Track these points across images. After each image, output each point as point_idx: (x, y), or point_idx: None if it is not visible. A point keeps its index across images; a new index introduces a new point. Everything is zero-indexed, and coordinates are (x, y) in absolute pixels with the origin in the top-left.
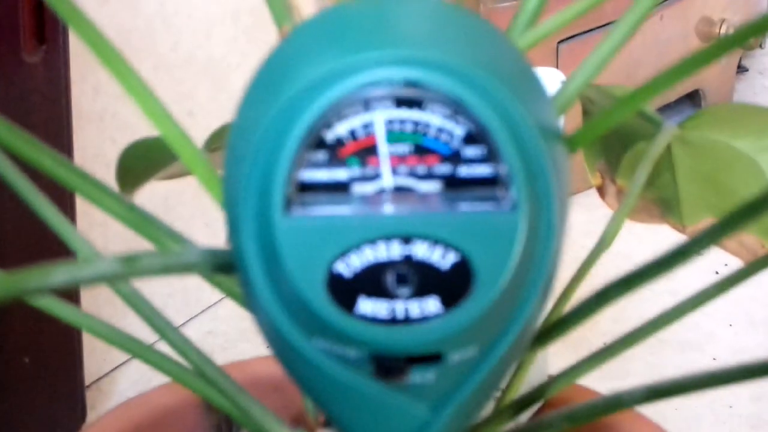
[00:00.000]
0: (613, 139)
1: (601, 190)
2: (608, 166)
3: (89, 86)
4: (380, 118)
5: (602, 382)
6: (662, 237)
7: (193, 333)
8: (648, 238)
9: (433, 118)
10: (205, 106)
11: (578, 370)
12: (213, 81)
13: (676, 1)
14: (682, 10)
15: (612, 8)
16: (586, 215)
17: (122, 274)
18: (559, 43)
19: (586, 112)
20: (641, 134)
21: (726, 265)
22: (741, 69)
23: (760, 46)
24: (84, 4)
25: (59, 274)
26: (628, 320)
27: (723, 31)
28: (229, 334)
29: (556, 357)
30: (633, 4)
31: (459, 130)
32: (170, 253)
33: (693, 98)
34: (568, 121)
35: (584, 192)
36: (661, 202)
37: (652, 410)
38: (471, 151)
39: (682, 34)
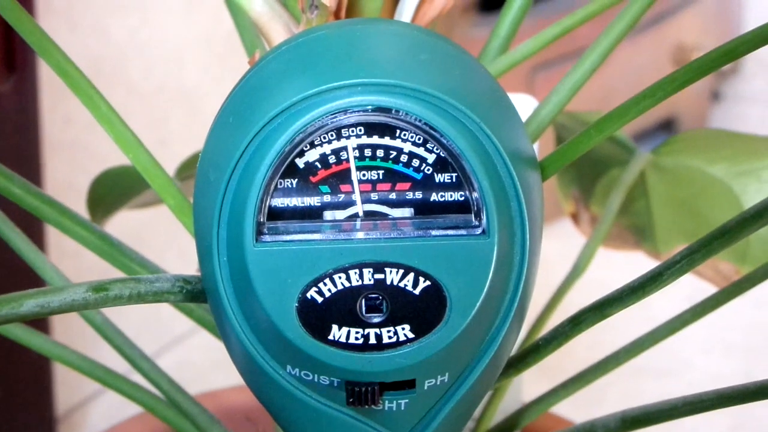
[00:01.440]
0: (587, 165)
1: (575, 218)
2: (582, 194)
3: (60, 116)
4: (351, 145)
5: (578, 410)
6: (639, 264)
7: (164, 364)
8: (625, 266)
9: (404, 144)
10: (178, 133)
11: (553, 398)
12: (185, 109)
13: (651, 27)
14: (657, 36)
15: (588, 35)
16: (560, 243)
17: (93, 302)
18: (534, 70)
19: (559, 139)
20: (615, 161)
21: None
22: (716, 96)
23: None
24: (54, 31)
25: (30, 302)
26: (604, 347)
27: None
28: (201, 365)
29: (531, 385)
30: (605, 31)
31: (430, 157)
32: (141, 281)
33: (668, 127)
34: (542, 149)
35: (558, 220)
36: (636, 229)
37: None
38: (442, 177)
39: (657, 60)
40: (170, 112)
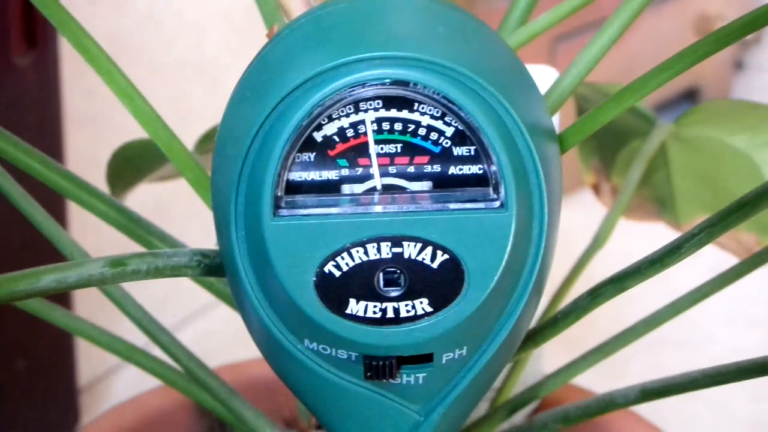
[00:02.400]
0: (608, 137)
1: (596, 189)
2: (603, 165)
3: (81, 89)
4: (369, 119)
5: (600, 381)
6: (663, 236)
7: (189, 335)
8: (647, 237)
9: (422, 117)
10: (199, 107)
11: (573, 370)
12: (206, 82)
13: None
14: (680, 5)
15: (611, 5)
16: (583, 213)
17: (110, 278)
18: (556, 40)
19: (580, 110)
20: (636, 132)
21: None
22: (739, 66)
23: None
24: (74, 6)
25: (48, 277)
26: (626, 319)
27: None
28: (224, 336)
29: (552, 356)
30: (624, 2)
31: (448, 130)
32: (159, 256)
33: (691, 96)
34: (563, 120)
35: (581, 190)
36: (657, 200)
37: (649, 410)
38: (460, 151)
39: (680, 29)
40: (191, 86)
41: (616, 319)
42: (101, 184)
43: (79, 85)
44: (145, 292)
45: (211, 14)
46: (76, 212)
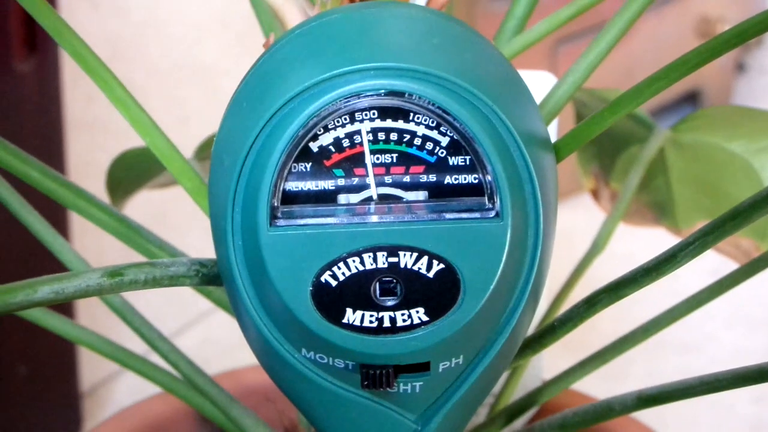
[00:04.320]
0: (607, 142)
1: (596, 194)
2: (602, 170)
3: (82, 94)
4: (365, 129)
5: (601, 384)
6: (666, 238)
7: (190, 340)
8: (652, 239)
9: (418, 127)
10: (199, 112)
11: (572, 376)
12: (205, 87)
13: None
14: (681, 7)
15: (612, 7)
16: (586, 216)
17: (108, 288)
18: (557, 44)
19: (579, 116)
20: (634, 138)
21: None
22: (741, 68)
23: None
24: (74, 11)
25: (45, 288)
26: (629, 322)
27: (721, 29)
28: (226, 341)
29: (555, 358)
30: (622, 8)
31: (444, 140)
32: (157, 266)
33: (692, 99)
34: (562, 125)
35: (584, 192)
36: (656, 206)
37: (650, 410)
38: (456, 160)
39: (682, 32)
40: (191, 90)
41: (620, 318)
42: (103, 190)
43: (80, 91)
44: (146, 297)
45: (209, 19)
46: (77, 217)
